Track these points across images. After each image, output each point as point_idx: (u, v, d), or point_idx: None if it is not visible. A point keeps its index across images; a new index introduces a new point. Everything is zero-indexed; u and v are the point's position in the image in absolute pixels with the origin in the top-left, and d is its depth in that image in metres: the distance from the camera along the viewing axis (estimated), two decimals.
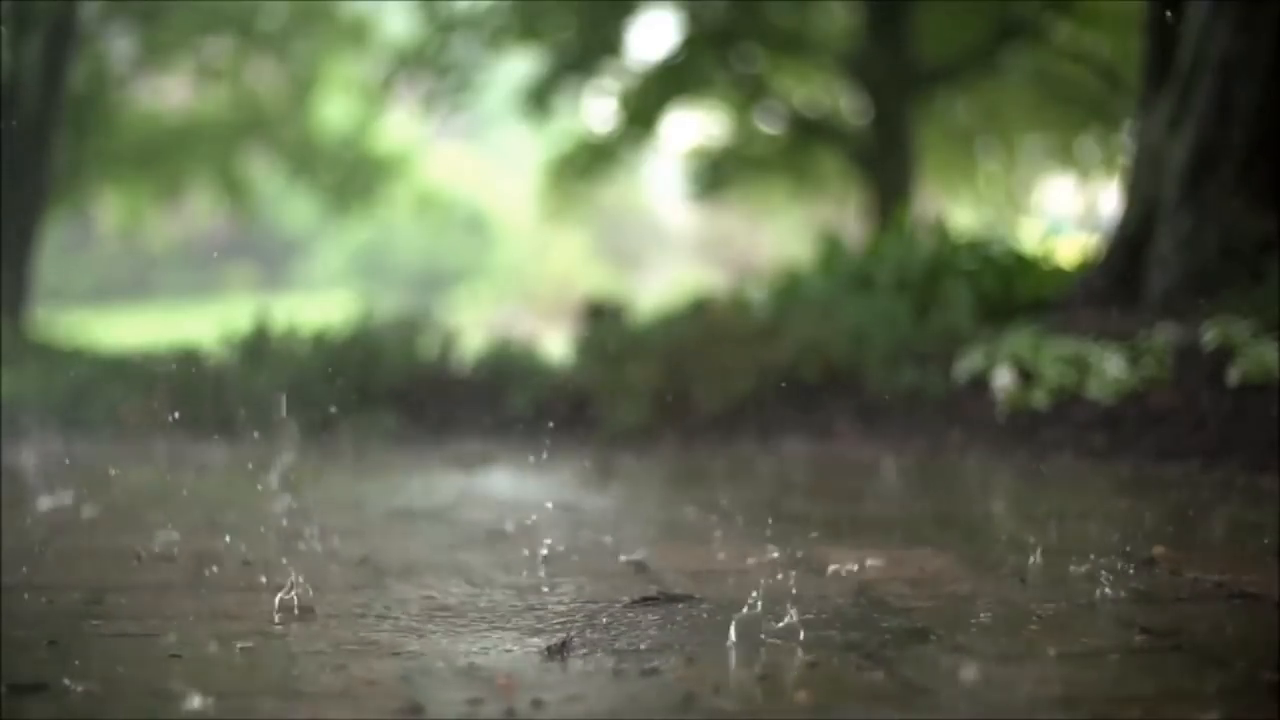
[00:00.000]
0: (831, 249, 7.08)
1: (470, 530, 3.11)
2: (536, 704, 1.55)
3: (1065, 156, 16.88)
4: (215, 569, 2.52)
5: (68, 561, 2.59)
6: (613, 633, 1.93)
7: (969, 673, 1.69)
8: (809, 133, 15.40)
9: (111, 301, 27.26)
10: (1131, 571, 2.37)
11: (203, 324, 7.16)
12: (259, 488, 3.95)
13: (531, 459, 5.10)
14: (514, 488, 4.28)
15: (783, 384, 5.55)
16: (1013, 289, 6.25)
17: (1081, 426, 4.61)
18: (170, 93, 17.23)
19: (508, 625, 2.00)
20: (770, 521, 3.16)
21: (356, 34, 16.50)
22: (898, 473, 4.39)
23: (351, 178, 17.58)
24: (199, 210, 20.38)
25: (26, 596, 2.22)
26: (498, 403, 6.03)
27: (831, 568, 2.45)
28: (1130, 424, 4.49)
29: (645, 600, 2.16)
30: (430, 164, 22.92)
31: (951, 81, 14.80)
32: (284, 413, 5.59)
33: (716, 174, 16.75)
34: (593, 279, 26.30)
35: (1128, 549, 2.55)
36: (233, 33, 15.90)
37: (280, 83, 16.74)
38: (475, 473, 4.61)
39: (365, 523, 3.23)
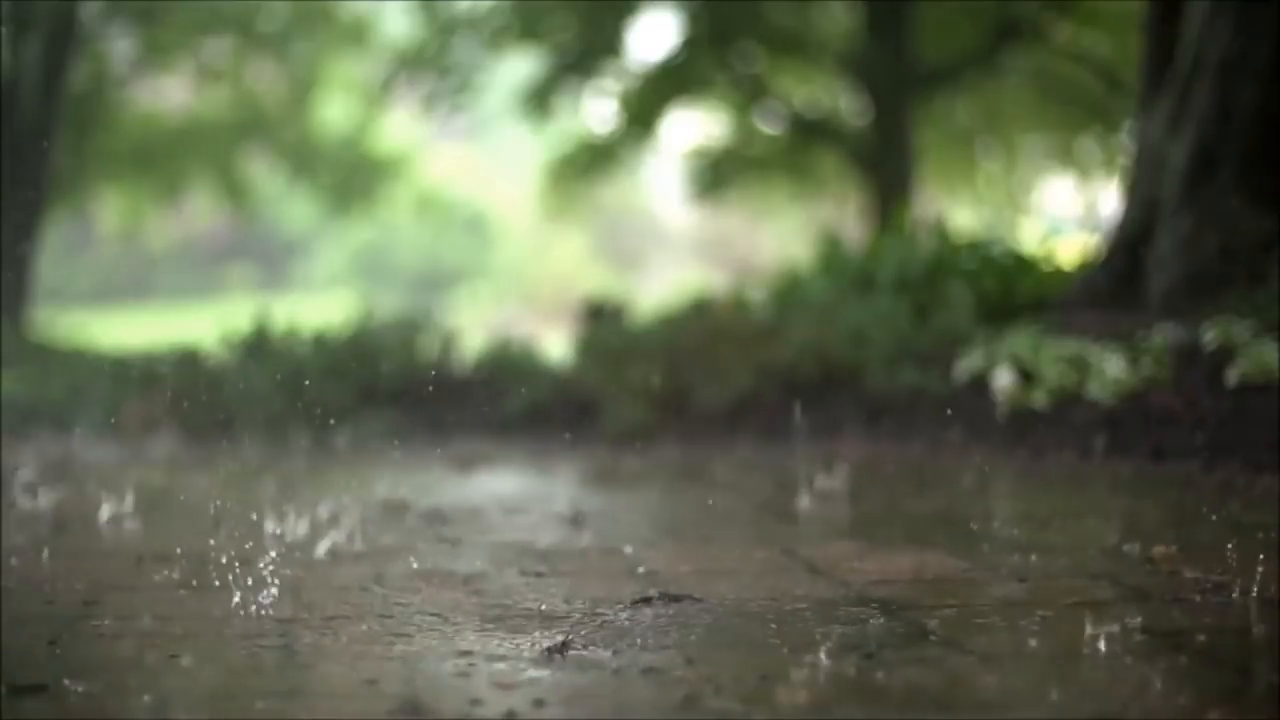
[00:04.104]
0: (831, 249, 7.08)
1: (470, 530, 3.11)
2: (537, 704, 1.55)
3: (1065, 157, 16.87)
4: (215, 569, 2.52)
5: (68, 561, 2.59)
6: (613, 633, 1.93)
7: (969, 673, 1.69)
8: (809, 133, 15.39)
9: (111, 302, 27.25)
10: (1131, 572, 2.37)
11: (203, 324, 7.15)
12: (259, 488, 3.95)
13: (531, 459, 5.10)
14: (513, 488, 4.28)
15: (783, 384, 5.55)
16: (1013, 289, 6.25)
17: (1081, 426, 4.60)
18: (170, 93, 17.22)
19: (508, 625, 2.00)
20: (770, 521, 3.16)
21: (356, 34, 16.50)
22: (897, 473, 4.39)
23: (351, 178, 17.58)
24: (199, 210, 20.38)
25: (26, 596, 2.22)
26: (498, 403, 6.02)
27: (830, 567, 2.45)
28: (1130, 424, 4.49)
29: (645, 600, 2.16)
30: (430, 164, 22.92)
31: (951, 82, 14.80)
32: (284, 413, 5.59)
33: (716, 174, 16.74)
34: (593, 279, 26.29)
35: (1127, 549, 2.55)
36: (233, 33, 15.90)
37: (280, 83, 16.74)
38: (474, 473, 4.61)
39: (365, 523, 3.23)
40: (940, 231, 6.91)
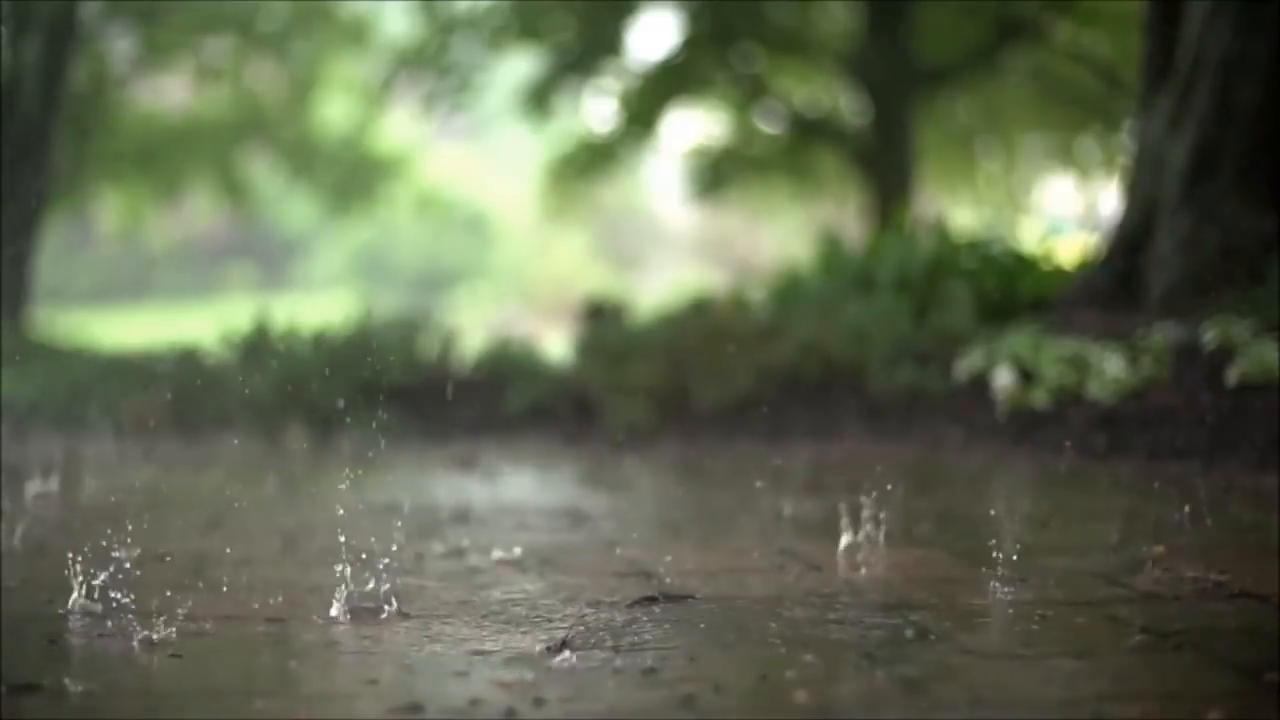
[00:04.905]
0: (831, 249, 7.08)
1: (470, 530, 3.11)
2: (537, 703, 1.55)
3: (1065, 156, 16.87)
4: (215, 568, 2.52)
5: (67, 562, 2.58)
6: (613, 633, 1.93)
7: (969, 672, 1.69)
8: (809, 133, 15.39)
9: (111, 301, 27.25)
10: (1131, 571, 2.37)
11: (203, 324, 7.15)
12: (258, 487, 3.95)
13: (531, 459, 5.10)
14: (514, 487, 4.28)
15: (783, 384, 5.55)
16: (1013, 289, 6.25)
17: (1081, 426, 4.60)
18: (170, 93, 17.22)
19: (508, 624, 2.00)
20: (770, 521, 3.16)
21: (356, 34, 16.49)
22: (897, 472, 4.39)
23: (351, 178, 17.57)
24: (199, 210, 20.38)
25: (26, 597, 2.21)
26: (498, 403, 6.02)
27: (830, 566, 2.45)
28: (1130, 424, 4.49)
29: (645, 600, 2.16)
30: (430, 164, 22.91)
31: (951, 81, 14.80)
32: (284, 412, 5.59)
33: (716, 174, 16.74)
34: (593, 279, 26.28)
35: (1127, 549, 2.55)
36: (233, 33, 15.89)
37: (280, 83, 16.73)
38: (475, 472, 4.61)
39: (364, 523, 3.23)
40: (940, 231, 6.91)
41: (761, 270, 12.41)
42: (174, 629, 1.98)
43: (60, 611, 2.09)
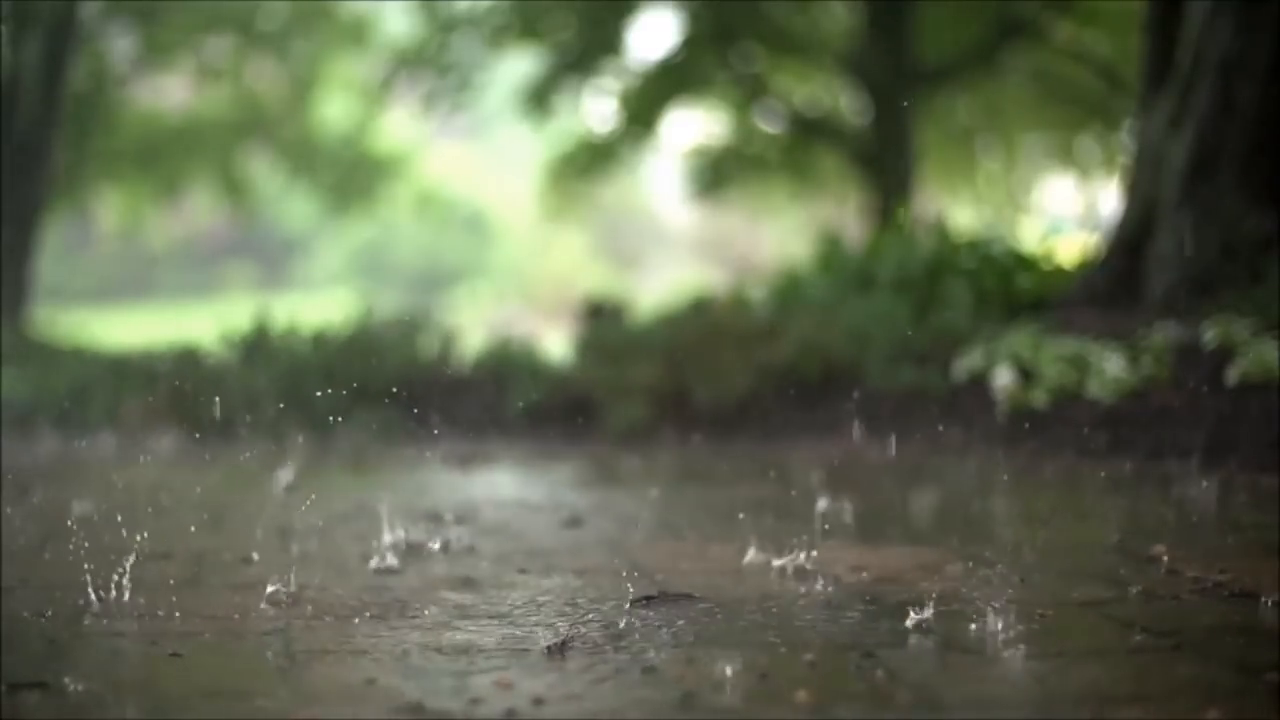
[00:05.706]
0: (831, 249, 7.08)
1: (470, 529, 3.11)
2: (537, 702, 1.55)
3: (1065, 156, 16.87)
4: (215, 568, 2.52)
5: (68, 561, 2.59)
6: (613, 633, 1.93)
7: (968, 671, 1.69)
8: (809, 132, 15.39)
9: (111, 301, 27.24)
10: (1131, 571, 2.38)
11: (203, 324, 7.15)
12: (258, 487, 3.96)
13: (531, 458, 5.10)
14: (513, 487, 4.28)
15: (783, 383, 5.55)
16: (1013, 289, 6.25)
17: (1081, 426, 4.60)
18: (170, 93, 17.22)
19: (508, 624, 2.00)
20: (769, 521, 3.16)
21: (356, 34, 16.50)
22: (897, 472, 4.39)
23: (351, 177, 17.58)
24: (199, 209, 20.38)
25: (26, 596, 2.22)
26: (498, 402, 6.02)
27: (831, 566, 2.45)
28: (1130, 423, 4.49)
29: (645, 600, 2.16)
30: (430, 163, 22.91)
31: (951, 81, 14.80)
32: (283, 412, 5.59)
33: (716, 173, 16.74)
34: (593, 279, 26.27)
35: (1128, 548, 2.55)
36: (233, 33, 15.89)
37: (280, 83, 16.74)
38: (474, 472, 4.61)
39: (364, 522, 3.23)
40: (940, 230, 6.91)
41: (761, 270, 12.40)
42: (174, 628, 1.98)
43: (60, 611, 2.09)
